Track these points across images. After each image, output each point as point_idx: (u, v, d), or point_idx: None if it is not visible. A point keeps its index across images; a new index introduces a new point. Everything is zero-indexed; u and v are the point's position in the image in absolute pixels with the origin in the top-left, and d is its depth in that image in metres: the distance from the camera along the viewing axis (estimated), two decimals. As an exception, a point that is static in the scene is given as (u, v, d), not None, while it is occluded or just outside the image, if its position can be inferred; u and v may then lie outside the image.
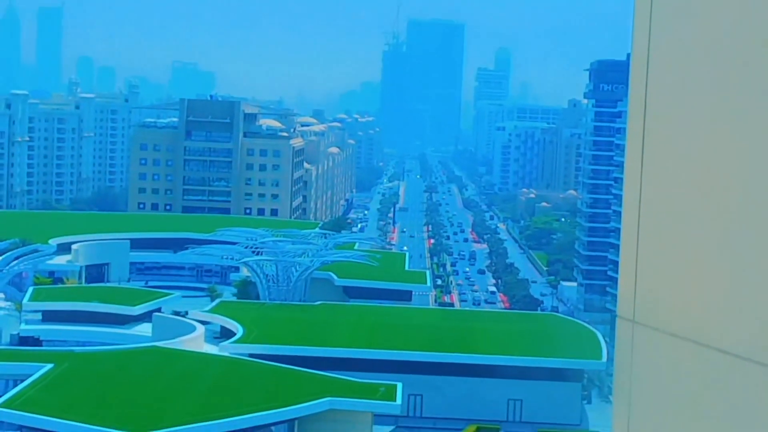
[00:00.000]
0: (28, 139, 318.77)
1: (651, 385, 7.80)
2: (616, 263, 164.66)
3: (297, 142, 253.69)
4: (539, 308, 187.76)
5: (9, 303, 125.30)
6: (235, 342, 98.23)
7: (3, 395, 76.74)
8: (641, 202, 7.89)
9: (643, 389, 7.88)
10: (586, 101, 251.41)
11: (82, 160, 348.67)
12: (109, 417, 71.08)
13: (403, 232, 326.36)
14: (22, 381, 79.26)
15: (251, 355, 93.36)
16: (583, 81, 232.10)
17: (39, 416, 71.20)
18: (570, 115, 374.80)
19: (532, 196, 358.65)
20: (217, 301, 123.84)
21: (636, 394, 7.94)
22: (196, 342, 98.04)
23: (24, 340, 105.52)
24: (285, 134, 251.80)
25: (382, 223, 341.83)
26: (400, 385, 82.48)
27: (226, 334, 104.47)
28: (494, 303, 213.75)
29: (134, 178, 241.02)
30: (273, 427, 77.48)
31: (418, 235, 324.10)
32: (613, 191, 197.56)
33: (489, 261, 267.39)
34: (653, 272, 7.79)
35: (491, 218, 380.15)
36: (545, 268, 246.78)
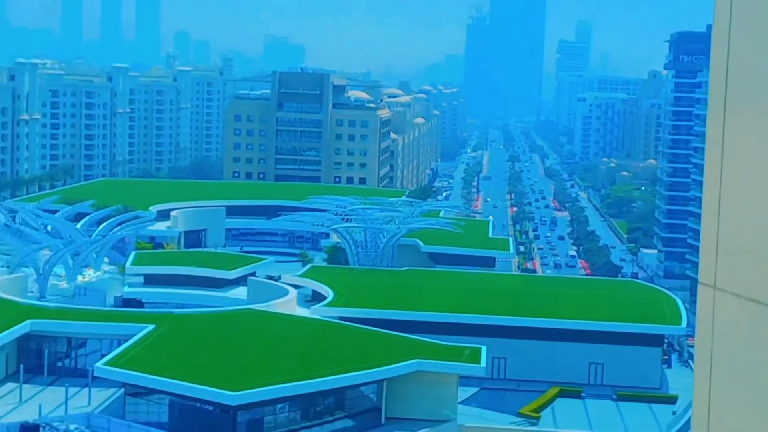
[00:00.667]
0: (129, 110, 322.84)
1: (732, 350, 7.76)
2: (695, 231, 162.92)
3: (384, 113, 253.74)
4: (619, 275, 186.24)
5: (113, 267, 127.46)
6: (325, 305, 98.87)
7: (108, 354, 78.16)
8: (722, 170, 7.83)
9: (724, 354, 7.84)
10: (666, 72, 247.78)
11: (180, 131, 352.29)
12: (206, 375, 72.07)
13: (487, 201, 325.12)
14: (126, 341, 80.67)
15: (341, 318, 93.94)
16: (663, 52, 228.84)
17: (141, 374, 72.44)
18: (650, 86, 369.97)
19: (613, 165, 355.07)
20: (309, 266, 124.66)
21: (717, 359, 7.90)
22: (289, 305, 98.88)
23: (127, 302, 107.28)
24: (372, 105, 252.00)
25: (466, 191, 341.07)
26: (484, 348, 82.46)
27: (317, 297, 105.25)
28: (574, 267, 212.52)
29: (229, 147, 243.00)
30: (362, 388, 77.97)
31: (501, 204, 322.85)
32: (693, 160, 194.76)
33: (570, 228, 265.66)
34: (734, 239, 7.74)
35: (572, 187, 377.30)
36: (625, 236, 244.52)
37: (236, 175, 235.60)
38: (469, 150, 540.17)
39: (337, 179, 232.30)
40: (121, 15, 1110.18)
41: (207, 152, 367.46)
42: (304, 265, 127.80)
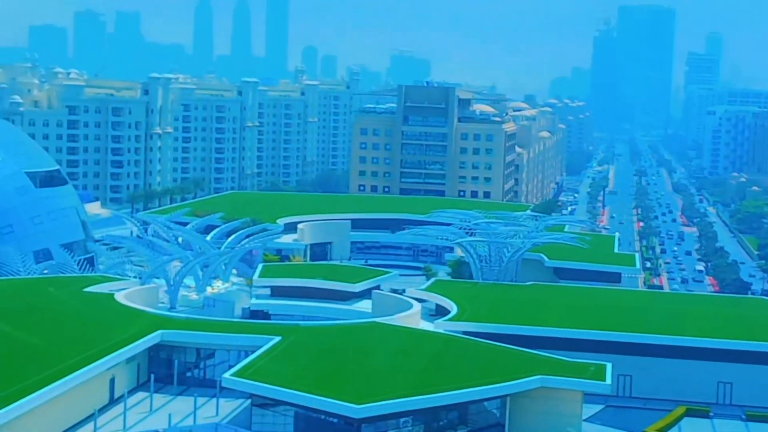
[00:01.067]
0: (257, 124, 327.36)
1: None
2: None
3: (509, 127, 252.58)
4: (749, 292, 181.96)
5: (241, 279, 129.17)
6: (449, 320, 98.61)
7: (235, 365, 79.11)
8: None
9: None
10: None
11: (307, 144, 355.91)
12: (331, 388, 72.41)
13: (613, 217, 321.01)
14: (253, 352, 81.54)
15: (465, 333, 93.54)
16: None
17: (268, 385, 73.10)
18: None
19: (743, 180, 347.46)
20: (433, 279, 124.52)
21: None
22: (413, 319, 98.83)
23: (254, 314, 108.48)
24: (498, 119, 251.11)
25: (591, 206, 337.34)
26: (609, 365, 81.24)
27: (441, 311, 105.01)
28: (701, 282, 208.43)
29: (355, 161, 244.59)
30: (485, 403, 77.45)
31: (627, 219, 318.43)
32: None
33: (698, 244, 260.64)
34: None
35: (700, 201, 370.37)
36: (756, 252, 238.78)
37: (362, 188, 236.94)
38: (595, 164, 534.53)
39: (462, 193, 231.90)
40: (251, 31, 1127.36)
41: (333, 166, 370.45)
42: (428, 279, 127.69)
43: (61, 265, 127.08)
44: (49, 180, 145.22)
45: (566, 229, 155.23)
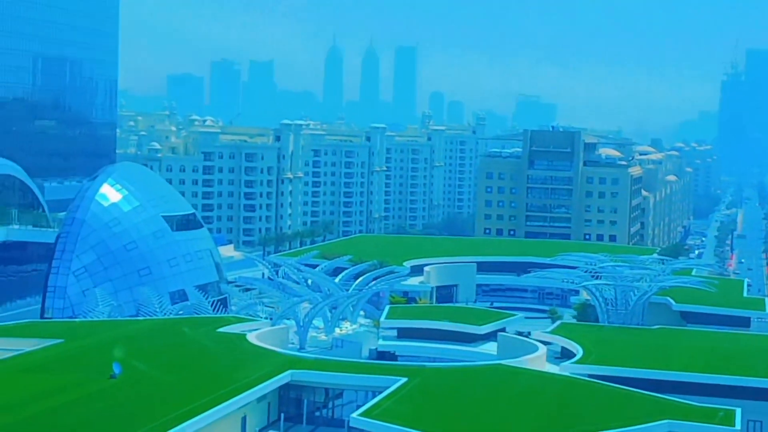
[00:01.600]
0: (385, 168, 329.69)
1: None
2: None
3: (635, 171, 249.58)
4: None
5: (368, 320, 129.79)
6: (575, 362, 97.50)
7: (363, 405, 79.39)
8: None
9: None
10: None
11: (433, 188, 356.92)
12: (457, 429, 72.09)
13: (741, 262, 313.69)
14: (380, 392, 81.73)
15: (591, 376, 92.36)
16: None
17: (394, 426, 73.15)
18: None
19: None
20: (558, 322, 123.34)
21: None
22: (539, 361, 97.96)
23: (381, 355, 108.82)
24: (623, 163, 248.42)
25: (719, 249, 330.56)
26: (739, 411, 79.22)
27: (566, 354, 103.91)
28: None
29: (481, 204, 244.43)
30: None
31: (756, 263, 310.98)
32: None
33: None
34: None
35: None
36: None
37: (487, 231, 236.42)
38: (723, 207, 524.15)
39: (587, 236, 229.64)
40: (380, 77, 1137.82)
41: (459, 209, 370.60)
42: (553, 322, 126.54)
43: (195, 306, 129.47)
44: (186, 223, 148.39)
45: (693, 273, 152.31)
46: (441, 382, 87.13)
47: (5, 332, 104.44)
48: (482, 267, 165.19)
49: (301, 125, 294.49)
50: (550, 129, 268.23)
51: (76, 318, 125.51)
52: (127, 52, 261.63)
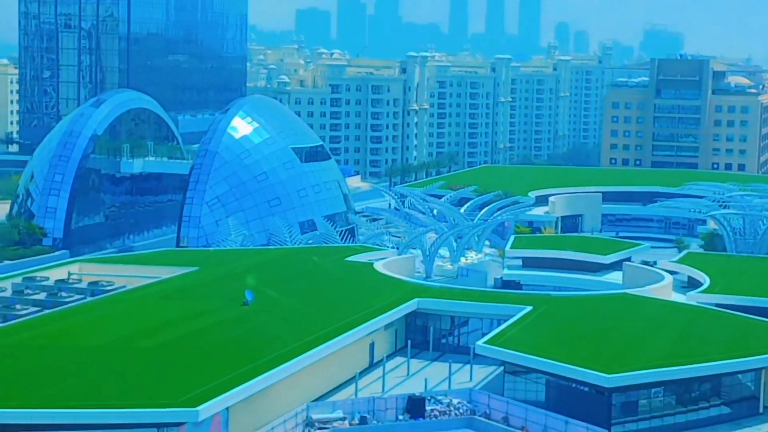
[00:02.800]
0: (510, 99, 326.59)
1: None
2: None
3: (766, 99, 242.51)
4: None
5: (493, 250, 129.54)
6: (702, 292, 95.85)
7: (488, 333, 79.45)
8: None
9: None
10: None
11: (558, 119, 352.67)
12: (582, 357, 71.68)
13: None
14: (505, 321, 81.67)
15: (717, 305, 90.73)
16: None
17: (520, 353, 73.04)
18: None
19: None
20: (685, 252, 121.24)
21: None
22: (665, 290, 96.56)
23: (506, 284, 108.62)
24: (754, 90, 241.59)
25: None
26: None
27: (693, 284, 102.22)
28: None
29: (606, 134, 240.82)
30: (738, 375, 74.83)
31: None
32: None
33: None
34: None
35: None
36: None
37: (613, 161, 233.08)
38: None
39: (715, 165, 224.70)
40: (505, 9, 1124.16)
41: (584, 139, 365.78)
42: (680, 251, 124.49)
43: (324, 235, 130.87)
44: (314, 155, 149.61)
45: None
46: (566, 311, 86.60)
47: (143, 260, 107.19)
48: (608, 197, 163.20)
49: (426, 57, 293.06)
50: (678, 58, 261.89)
51: (209, 247, 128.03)
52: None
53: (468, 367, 80.00)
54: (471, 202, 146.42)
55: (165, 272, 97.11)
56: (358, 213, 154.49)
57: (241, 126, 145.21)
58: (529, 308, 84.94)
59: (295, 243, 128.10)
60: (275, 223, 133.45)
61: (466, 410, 70.63)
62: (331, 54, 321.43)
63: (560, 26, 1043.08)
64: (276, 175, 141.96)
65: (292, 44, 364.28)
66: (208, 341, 74.21)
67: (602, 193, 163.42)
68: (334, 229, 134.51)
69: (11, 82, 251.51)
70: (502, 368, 75.89)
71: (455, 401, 71.31)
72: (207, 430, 60.41)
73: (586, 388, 69.55)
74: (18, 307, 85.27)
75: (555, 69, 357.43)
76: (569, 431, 66.53)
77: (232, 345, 73.34)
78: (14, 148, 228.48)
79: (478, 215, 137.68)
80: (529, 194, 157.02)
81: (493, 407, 70.53)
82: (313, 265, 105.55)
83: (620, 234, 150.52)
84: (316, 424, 67.47)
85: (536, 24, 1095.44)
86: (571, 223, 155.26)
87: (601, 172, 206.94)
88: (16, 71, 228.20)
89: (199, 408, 58.61)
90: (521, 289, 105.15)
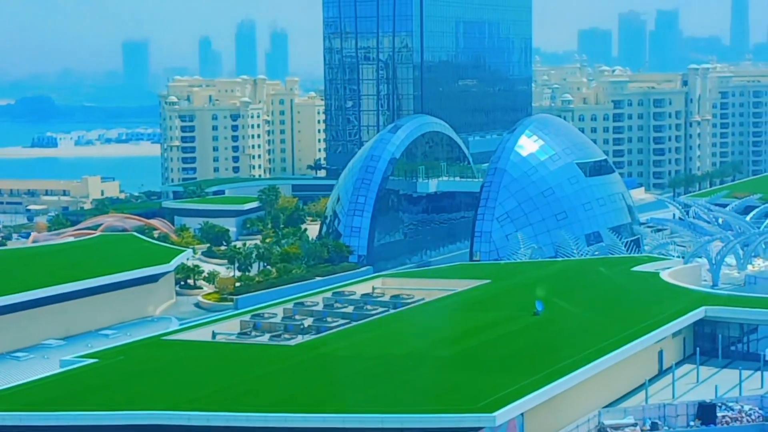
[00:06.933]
0: None
1: None
2: None
3: None
4: None
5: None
6: None
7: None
8: None
9: None
10: None
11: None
12: None
13: None
14: None
15: None
16: None
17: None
18: None
19: None
20: None
21: None
22: None
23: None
24: None
25: None
26: None
27: None
28: None
29: None
30: None
31: None
32: None
33: None
34: None
35: None
36: None
37: None
38: None
39: None
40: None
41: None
42: None
43: (610, 246, 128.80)
44: (598, 169, 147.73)
45: None
46: None
47: (439, 274, 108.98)
48: None
49: (707, 68, 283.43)
50: None
51: (500, 260, 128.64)
52: (539, 11, 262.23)
53: (758, 374, 76.56)
54: (757, 210, 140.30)
55: (460, 285, 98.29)
56: (643, 224, 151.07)
57: (527, 144, 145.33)
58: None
59: (581, 255, 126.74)
60: (562, 236, 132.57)
61: (758, 416, 67.66)
62: (613, 71, 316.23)
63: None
64: (562, 189, 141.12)
65: (575, 63, 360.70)
66: (503, 350, 74.55)
67: None
68: (620, 240, 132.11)
69: (318, 112, 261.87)
70: (793, 375, 72.22)
71: (747, 407, 68.44)
72: (503, 435, 60.60)
73: None
74: (329, 319, 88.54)
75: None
76: None
77: (525, 353, 73.35)
78: (322, 173, 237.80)
79: (765, 223, 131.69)
80: None
81: (785, 414, 67.22)
82: (600, 275, 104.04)
83: None
84: (608, 429, 66.39)
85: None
86: None
87: None
88: (323, 102, 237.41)
89: (496, 413, 58.92)
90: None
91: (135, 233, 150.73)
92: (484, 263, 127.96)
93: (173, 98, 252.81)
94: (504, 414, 59.39)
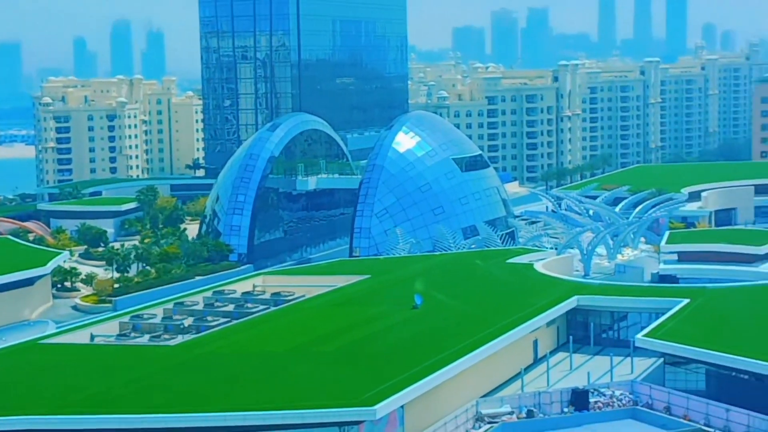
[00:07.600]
0: (660, 100, 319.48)
1: None
2: None
3: None
4: None
5: (649, 246, 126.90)
6: None
7: (647, 326, 77.86)
8: None
9: None
10: None
11: (708, 116, 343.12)
12: (741, 346, 69.44)
13: None
14: (662, 314, 79.86)
15: None
16: None
17: (679, 345, 71.33)
18: None
19: None
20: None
21: None
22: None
23: (663, 278, 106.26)
24: None
25: None
26: None
27: None
28: None
29: (756, 128, 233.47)
30: None
31: None
32: None
33: None
34: None
35: None
36: None
37: (764, 155, 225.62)
38: None
39: None
40: (651, 14, 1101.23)
41: (735, 135, 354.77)
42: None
43: (486, 239, 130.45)
44: (473, 164, 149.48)
45: None
46: (723, 303, 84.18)
47: (319, 270, 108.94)
48: (760, 189, 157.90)
49: (577, 65, 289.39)
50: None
51: (380, 255, 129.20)
52: (414, 10, 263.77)
53: (629, 360, 78.49)
54: (625, 201, 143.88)
55: (340, 281, 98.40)
56: (517, 217, 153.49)
57: (404, 141, 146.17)
58: (686, 301, 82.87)
59: (458, 248, 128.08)
60: (440, 230, 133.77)
61: (629, 401, 69.35)
62: (487, 68, 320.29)
63: (706, 27, 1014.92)
64: (439, 184, 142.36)
65: (450, 61, 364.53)
66: (382, 344, 74.87)
67: (755, 186, 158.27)
68: (495, 233, 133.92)
69: (196, 112, 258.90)
70: (661, 360, 74.20)
71: (618, 393, 70.11)
72: (384, 428, 60.88)
73: (746, 377, 67.37)
74: (209, 318, 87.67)
75: (703, 69, 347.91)
76: (731, 419, 64.51)
77: (404, 347, 73.77)
78: (201, 172, 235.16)
79: (633, 213, 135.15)
80: (682, 190, 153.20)
81: (654, 398, 69.01)
82: (476, 268, 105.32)
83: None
84: (486, 418, 67.29)
85: (683, 27, 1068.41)
86: (724, 217, 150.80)
87: (752, 165, 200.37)
88: (200, 102, 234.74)
89: (376, 407, 59.14)
90: (678, 283, 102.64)
91: (9, 236, 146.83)
92: (363, 259, 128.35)
93: (47, 99, 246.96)
94: (384, 407, 59.66)
